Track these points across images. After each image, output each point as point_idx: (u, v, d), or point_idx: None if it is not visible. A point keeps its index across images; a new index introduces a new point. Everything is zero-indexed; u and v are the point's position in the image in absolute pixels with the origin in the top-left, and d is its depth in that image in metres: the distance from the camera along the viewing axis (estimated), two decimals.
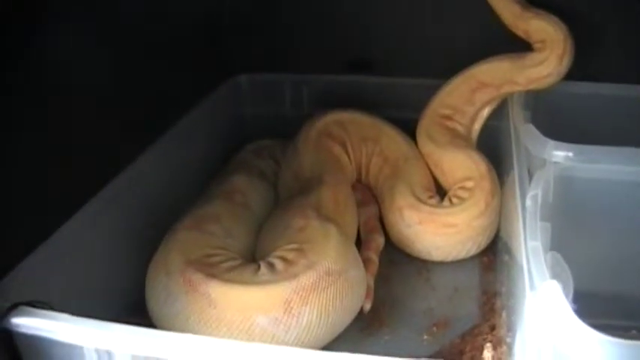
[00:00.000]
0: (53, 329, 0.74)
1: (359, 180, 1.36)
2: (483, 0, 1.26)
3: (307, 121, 1.35)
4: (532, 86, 1.23)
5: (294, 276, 0.94)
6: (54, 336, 0.74)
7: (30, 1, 0.86)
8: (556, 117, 1.22)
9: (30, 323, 0.74)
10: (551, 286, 0.72)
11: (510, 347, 0.92)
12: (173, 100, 1.26)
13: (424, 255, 1.21)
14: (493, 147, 1.31)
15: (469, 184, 1.22)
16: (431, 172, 1.31)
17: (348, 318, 1.01)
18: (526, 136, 1.04)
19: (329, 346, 0.99)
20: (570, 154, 0.98)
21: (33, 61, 0.89)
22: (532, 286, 0.76)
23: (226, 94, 1.49)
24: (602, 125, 1.21)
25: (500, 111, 1.32)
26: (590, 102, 1.26)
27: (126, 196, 1.07)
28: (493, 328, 1.02)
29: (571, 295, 0.77)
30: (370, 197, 1.32)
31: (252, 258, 1.11)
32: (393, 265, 1.20)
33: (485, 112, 1.33)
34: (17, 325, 0.74)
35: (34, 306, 0.76)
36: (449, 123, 1.32)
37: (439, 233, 1.19)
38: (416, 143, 1.34)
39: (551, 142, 0.99)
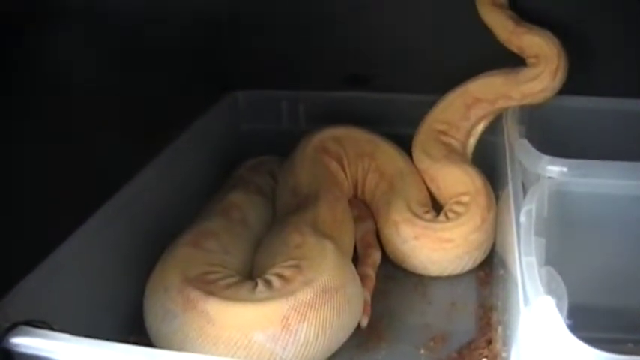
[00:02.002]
0: (53, 349, 0.74)
1: (355, 196, 1.37)
2: (478, 17, 1.27)
3: (304, 137, 1.35)
4: (526, 101, 1.24)
5: (292, 293, 0.95)
6: (53, 356, 0.74)
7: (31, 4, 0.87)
8: (550, 131, 1.23)
9: (29, 343, 0.74)
10: (545, 302, 0.73)
11: None
12: (171, 117, 1.26)
13: (421, 270, 1.22)
14: (488, 162, 1.31)
15: (465, 199, 1.22)
16: (427, 188, 1.31)
17: (345, 334, 1.01)
18: (520, 152, 1.05)
19: None
20: (564, 169, 0.98)
21: (29, 77, 0.90)
22: (526, 302, 0.77)
23: (223, 110, 1.49)
24: (597, 139, 1.21)
25: (495, 126, 1.32)
26: (585, 116, 1.26)
27: (125, 214, 1.07)
28: (489, 342, 1.03)
29: (565, 310, 0.78)
30: (367, 213, 1.32)
31: (250, 274, 1.11)
32: (389, 280, 1.21)
33: (481, 127, 1.34)
34: (17, 345, 0.74)
35: (33, 325, 0.76)
36: (444, 138, 1.33)
37: (435, 248, 1.19)
38: (412, 159, 1.34)
39: (545, 158, 0.99)
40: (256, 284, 1.00)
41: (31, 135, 0.89)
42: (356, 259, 1.20)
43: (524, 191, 1.00)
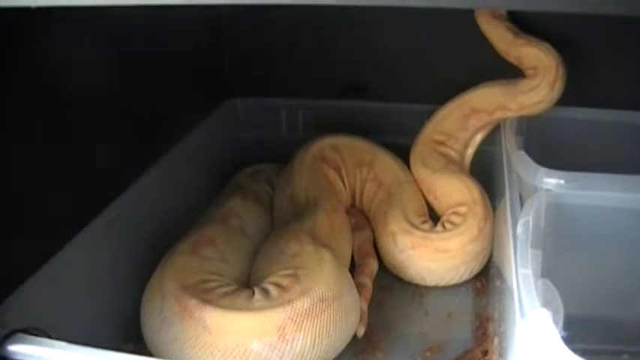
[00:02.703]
0: (50, 357, 0.74)
1: (353, 205, 1.37)
2: (477, 28, 1.27)
3: (302, 145, 1.36)
4: (524, 112, 1.25)
5: (289, 302, 0.95)
6: None
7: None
8: (548, 142, 1.23)
9: (27, 351, 0.74)
10: (541, 315, 0.73)
11: None
12: (169, 124, 1.26)
13: (417, 280, 1.22)
14: (486, 172, 1.32)
15: (462, 209, 1.23)
16: (424, 198, 1.32)
17: (342, 343, 1.01)
18: (517, 163, 1.05)
19: None
20: (561, 181, 0.98)
21: (29, 77, 0.90)
22: (522, 314, 0.77)
23: (222, 118, 1.50)
24: (595, 151, 1.22)
25: (493, 136, 1.33)
26: (583, 128, 1.27)
27: (122, 221, 1.07)
28: (485, 353, 1.03)
29: (561, 323, 0.78)
30: (364, 222, 1.32)
31: (247, 283, 1.11)
32: (386, 289, 1.21)
33: (479, 137, 1.34)
34: (14, 353, 0.74)
35: (30, 333, 0.76)
36: (442, 148, 1.33)
37: (432, 258, 1.19)
38: (410, 168, 1.35)
39: (542, 170, 0.99)
40: (253, 293, 1.00)
41: (31, 146, 0.89)
42: (353, 268, 1.20)
43: (522, 202, 1.00)
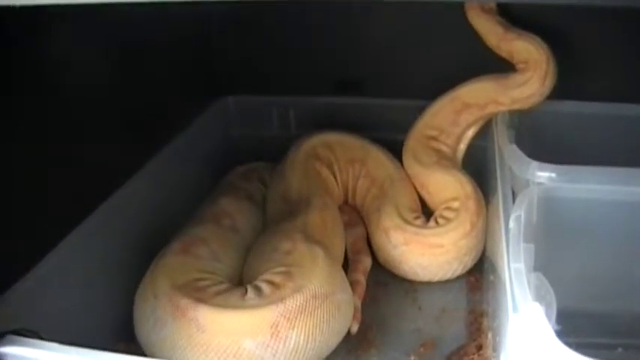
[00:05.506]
0: (42, 358, 0.74)
1: (346, 201, 1.37)
2: (468, 22, 1.27)
3: (294, 142, 1.35)
4: (516, 106, 1.25)
5: (281, 299, 0.95)
6: None
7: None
8: (540, 136, 1.23)
9: (18, 352, 0.74)
10: (533, 309, 0.73)
11: None
12: (161, 123, 1.26)
13: (411, 275, 1.22)
14: (479, 167, 1.32)
15: (455, 204, 1.22)
16: (417, 193, 1.31)
17: (335, 340, 1.01)
18: (509, 157, 1.05)
19: None
20: (553, 174, 0.98)
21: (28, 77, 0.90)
22: (515, 308, 0.77)
23: (214, 116, 1.49)
24: (586, 144, 1.22)
25: (485, 131, 1.33)
26: (574, 121, 1.26)
27: (115, 221, 1.07)
28: (480, 347, 1.03)
29: (554, 317, 0.78)
30: (357, 219, 1.32)
31: (240, 281, 1.11)
32: (380, 286, 1.21)
33: (471, 132, 1.34)
34: (5, 355, 0.74)
35: (22, 334, 0.76)
36: (434, 144, 1.33)
37: (425, 254, 1.19)
38: (402, 164, 1.34)
39: (534, 163, 0.99)
40: (246, 291, 1.00)
41: (27, 144, 0.89)
42: (346, 265, 1.20)
43: (514, 197, 1.00)
